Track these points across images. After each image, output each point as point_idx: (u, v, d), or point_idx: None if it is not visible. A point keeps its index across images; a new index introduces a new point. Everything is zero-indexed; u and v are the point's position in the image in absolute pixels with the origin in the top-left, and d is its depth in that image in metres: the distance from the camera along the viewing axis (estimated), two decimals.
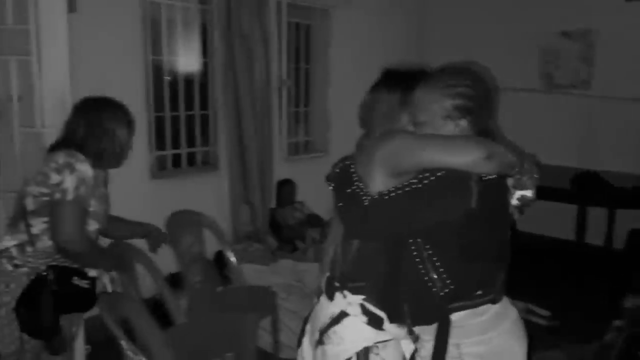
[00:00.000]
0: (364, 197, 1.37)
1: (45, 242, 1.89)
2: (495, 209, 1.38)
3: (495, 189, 1.35)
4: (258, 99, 4.19)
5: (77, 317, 2.13)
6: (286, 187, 4.45)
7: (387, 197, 1.34)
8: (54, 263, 1.90)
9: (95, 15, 3.11)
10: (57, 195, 1.82)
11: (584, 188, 4.33)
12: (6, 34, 2.37)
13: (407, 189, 1.32)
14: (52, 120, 2.33)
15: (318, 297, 1.58)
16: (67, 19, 2.33)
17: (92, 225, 1.98)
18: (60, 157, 1.85)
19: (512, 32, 5.21)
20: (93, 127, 1.93)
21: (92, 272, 2.00)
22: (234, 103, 4.07)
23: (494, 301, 1.39)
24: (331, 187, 1.54)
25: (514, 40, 5.17)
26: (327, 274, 1.54)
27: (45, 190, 1.84)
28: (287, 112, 4.77)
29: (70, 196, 1.82)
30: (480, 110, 1.38)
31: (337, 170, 1.53)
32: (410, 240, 1.37)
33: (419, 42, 5.85)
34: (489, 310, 1.38)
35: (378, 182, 1.36)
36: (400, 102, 1.47)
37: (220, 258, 3.60)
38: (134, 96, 3.56)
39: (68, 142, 1.93)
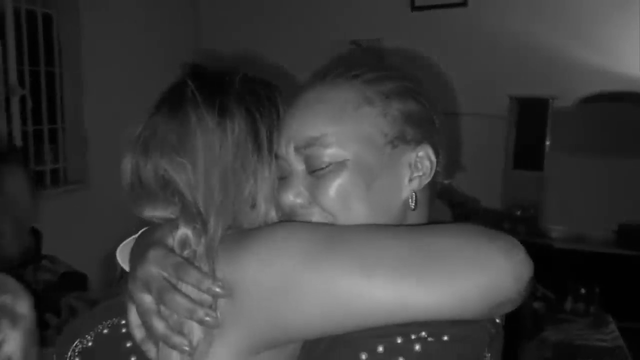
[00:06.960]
0: None
1: None
2: None
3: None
4: None
5: None
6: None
7: None
8: None
9: None
10: None
11: None
12: None
13: None
14: None
15: None
16: None
17: None
18: None
19: (304, 38, 4.81)
20: None
21: None
22: None
23: None
24: None
25: (306, 47, 4.75)
26: None
27: None
28: (23, 131, 3.55)
29: None
30: (440, 133, 0.75)
31: (91, 344, 0.72)
32: None
33: (197, 37, 5.07)
34: None
35: None
36: (251, 131, 0.72)
37: None
38: None
39: None
